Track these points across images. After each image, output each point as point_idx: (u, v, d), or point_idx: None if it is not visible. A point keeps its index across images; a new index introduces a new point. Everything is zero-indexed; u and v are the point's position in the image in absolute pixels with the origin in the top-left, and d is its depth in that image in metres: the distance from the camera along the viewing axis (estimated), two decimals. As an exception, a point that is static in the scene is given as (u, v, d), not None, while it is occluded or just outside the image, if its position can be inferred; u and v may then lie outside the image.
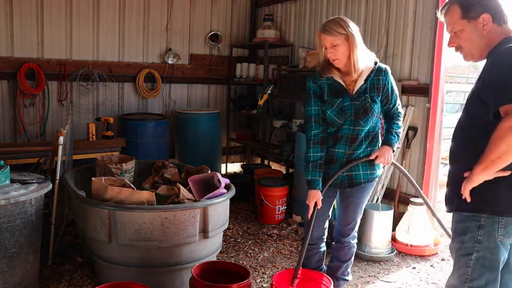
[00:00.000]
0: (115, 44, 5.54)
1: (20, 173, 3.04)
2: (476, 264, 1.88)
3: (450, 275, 2.03)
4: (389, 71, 2.63)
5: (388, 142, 2.65)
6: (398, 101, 2.71)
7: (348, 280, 2.97)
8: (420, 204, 3.92)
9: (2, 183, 2.71)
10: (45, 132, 5.17)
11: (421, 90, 4.19)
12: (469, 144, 1.92)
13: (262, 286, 3.23)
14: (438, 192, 4.34)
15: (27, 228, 2.73)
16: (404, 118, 4.33)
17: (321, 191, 2.55)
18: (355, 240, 2.87)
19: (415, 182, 2.91)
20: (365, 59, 2.53)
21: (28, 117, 5.08)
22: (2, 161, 2.80)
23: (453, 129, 2.05)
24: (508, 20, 1.93)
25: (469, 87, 2.02)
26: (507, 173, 1.79)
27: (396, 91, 2.68)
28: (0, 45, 4.84)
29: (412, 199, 4.01)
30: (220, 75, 6.36)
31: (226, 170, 6.55)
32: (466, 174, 1.85)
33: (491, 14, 1.90)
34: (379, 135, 2.72)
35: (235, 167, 6.85)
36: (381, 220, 3.80)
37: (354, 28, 2.48)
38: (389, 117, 2.71)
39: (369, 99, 2.55)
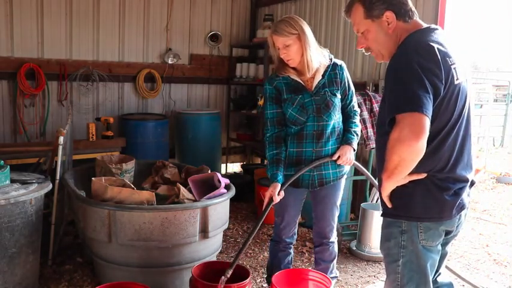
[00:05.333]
0: (115, 44, 5.53)
1: (20, 173, 3.04)
2: (404, 269, 1.81)
3: (385, 281, 1.96)
4: (345, 67, 2.65)
5: (348, 141, 2.64)
6: (355, 99, 2.72)
7: (337, 276, 2.96)
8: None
9: (2, 183, 2.71)
10: (45, 132, 5.16)
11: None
12: (381, 152, 1.79)
13: (262, 286, 3.23)
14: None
15: (27, 228, 2.73)
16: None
17: (281, 184, 2.48)
18: (335, 236, 2.84)
19: (376, 182, 2.87)
20: (319, 57, 2.55)
21: (28, 117, 5.08)
22: (2, 161, 2.81)
23: None
24: (414, 14, 1.81)
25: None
26: (422, 176, 1.71)
27: (352, 88, 2.70)
28: (0, 45, 4.84)
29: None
30: (220, 75, 6.36)
31: (226, 170, 6.54)
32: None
33: (395, 11, 1.77)
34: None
35: (235, 167, 6.85)
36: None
37: (305, 27, 2.49)
38: (346, 115, 2.71)
39: (329, 93, 2.57)
